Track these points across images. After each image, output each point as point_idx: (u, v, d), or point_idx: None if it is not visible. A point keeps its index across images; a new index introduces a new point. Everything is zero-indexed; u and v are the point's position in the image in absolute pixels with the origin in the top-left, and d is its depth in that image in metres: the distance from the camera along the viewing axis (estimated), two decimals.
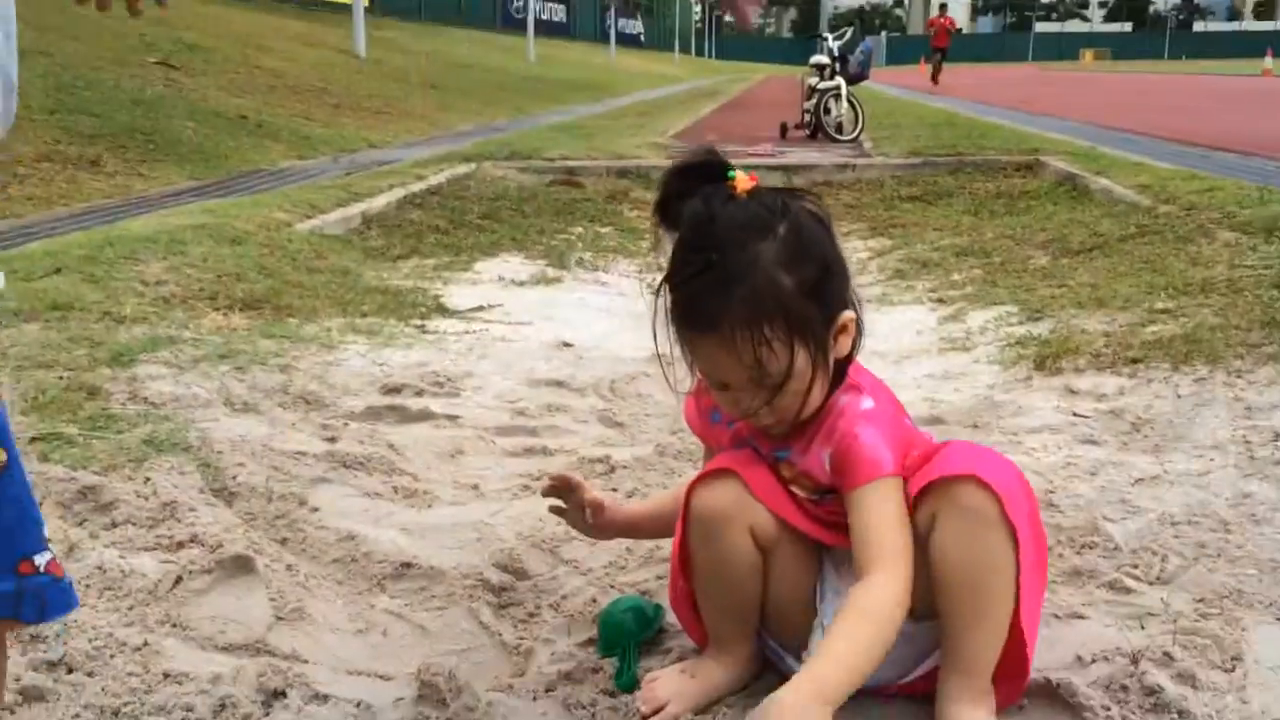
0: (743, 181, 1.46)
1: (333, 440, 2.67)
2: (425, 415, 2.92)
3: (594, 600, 1.91)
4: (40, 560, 1.07)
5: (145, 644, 1.67)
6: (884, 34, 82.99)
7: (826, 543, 1.54)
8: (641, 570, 2.04)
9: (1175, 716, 1.48)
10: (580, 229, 6.30)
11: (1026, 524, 1.45)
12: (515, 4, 34.33)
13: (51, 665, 1.61)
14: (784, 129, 12.06)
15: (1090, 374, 3.13)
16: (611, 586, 1.98)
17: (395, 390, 3.10)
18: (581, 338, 3.93)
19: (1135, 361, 3.14)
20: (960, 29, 30.75)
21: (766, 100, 21.04)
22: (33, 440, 2.39)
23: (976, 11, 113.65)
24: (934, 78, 28.21)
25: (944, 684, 1.48)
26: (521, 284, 4.84)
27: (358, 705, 1.58)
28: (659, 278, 1.47)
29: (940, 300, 4.45)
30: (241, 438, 2.56)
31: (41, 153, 6.93)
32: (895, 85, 26.78)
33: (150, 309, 3.61)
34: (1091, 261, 4.73)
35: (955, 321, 4.06)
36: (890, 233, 6.23)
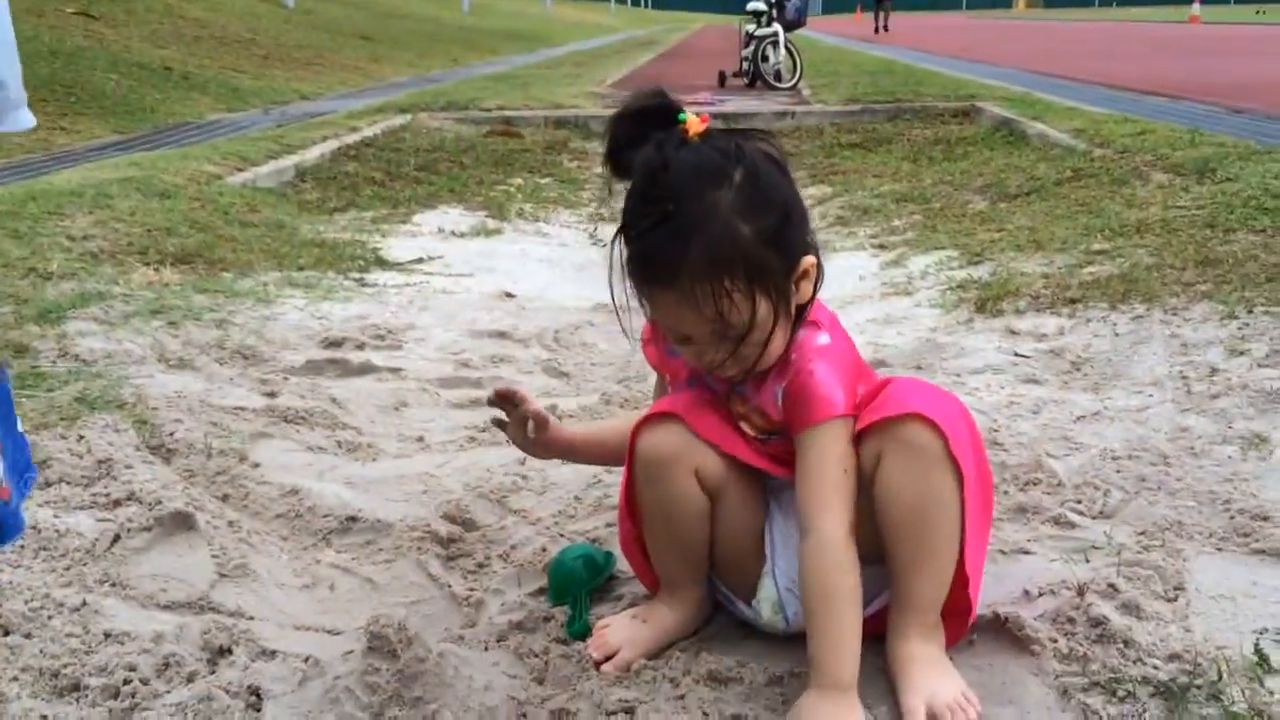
0: (694, 124, 1.41)
1: (272, 395, 2.62)
2: (367, 368, 2.87)
3: (544, 549, 1.89)
4: None
5: (84, 604, 1.63)
6: None
7: (777, 474, 1.53)
8: (591, 519, 2.03)
9: (1121, 646, 1.50)
10: (520, 180, 6.23)
11: (971, 461, 1.46)
12: None
13: None
14: (722, 77, 11.99)
15: (1030, 315, 3.16)
16: (561, 535, 1.97)
17: (336, 344, 3.04)
18: (524, 288, 3.89)
19: (1074, 302, 3.17)
20: None
21: (704, 49, 20.90)
22: None
23: None
24: (882, 26, 27.60)
25: (893, 622, 1.49)
26: (461, 235, 4.77)
27: (306, 660, 1.55)
28: (600, 227, 1.44)
29: (881, 246, 4.47)
30: (178, 394, 2.50)
31: None
32: (832, 34, 26.74)
33: (78, 264, 3.50)
34: (1029, 205, 4.77)
35: (897, 267, 4.08)
36: (831, 180, 6.24)
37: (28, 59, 8.05)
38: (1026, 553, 1.81)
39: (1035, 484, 2.06)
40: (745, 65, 11.82)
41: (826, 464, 1.44)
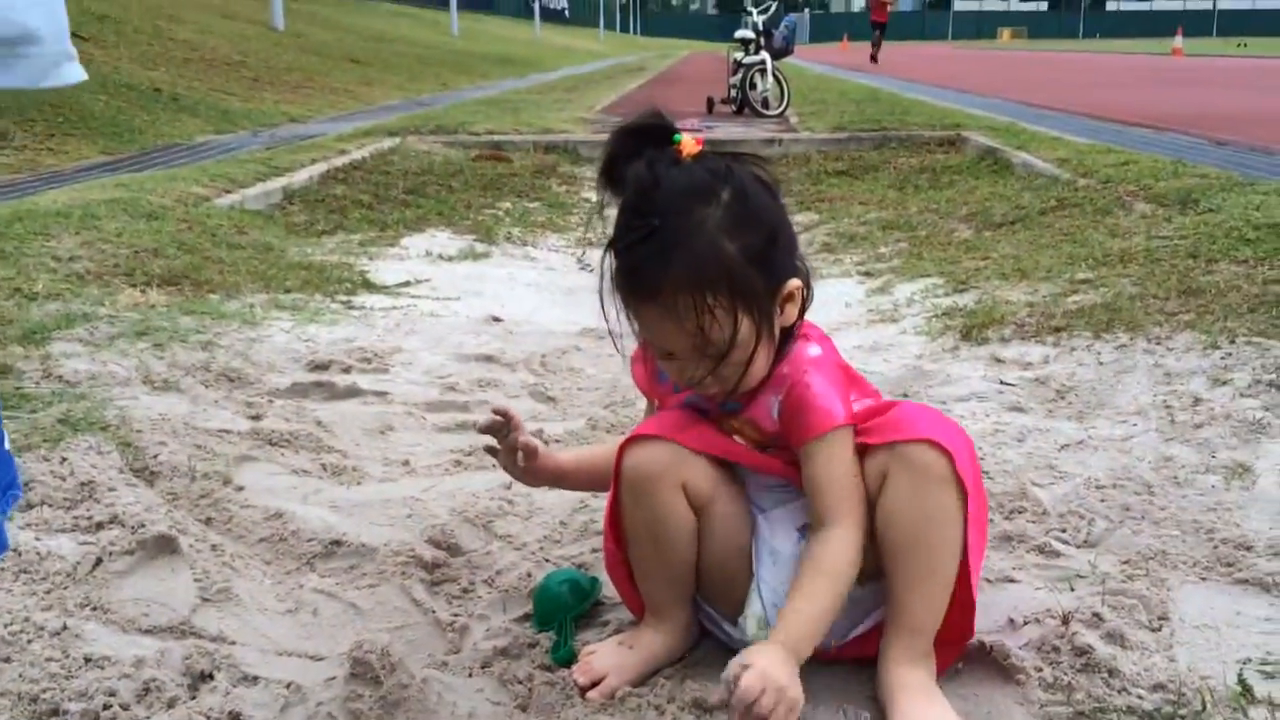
0: (689, 145, 1.43)
1: (257, 418, 2.61)
2: (353, 392, 2.87)
3: (529, 575, 1.88)
4: None
5: (65, 628, 1.62)
6: (807, 12, 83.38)
7: (773, 475, 1.54)
8: (577, 544, 2.03)
9: (1106, 675, 1.50)
10: (508, 204, 6.24)
11: (973, 484, 1.47)
12: None
13: None
14: (710, 104, 12.06)
15: (1015, 343, 3.17)
16: (546, 560, 1.96)
17: (322, 367, 3.04)
18: (511, 312, 3.89)
19: (1058, 330, 3.19)
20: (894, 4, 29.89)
21: (692, 76, 21.02)
22: None
23: None
24: (874, 56, 27.01)
25: (886, 644, 1.49)
26: (449, 259, 4.77)
27: (288, 686, 1.54)
28: (588, 252, 1.45)
29: (868, 273, 4.49)
30: (162, 416, 2.48)
31: None
32: (819, 62, 26.93)
33: (63, 285, 3.49)
34: (1014, 234, 4.80)
35: (883, 294, 4.10)
36: (817, 207, 6.27)
37: None
38: (1011, 581, 1.81)
39: (1020, 512, 2.07)
40: (733, 92, 11.90)
41: (836, 471, 1.46)
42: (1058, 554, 1.91)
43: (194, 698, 1.51)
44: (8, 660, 1.54)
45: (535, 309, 4.02)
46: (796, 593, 1.43)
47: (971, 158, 7.44)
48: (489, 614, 1.79)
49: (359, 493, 2.27)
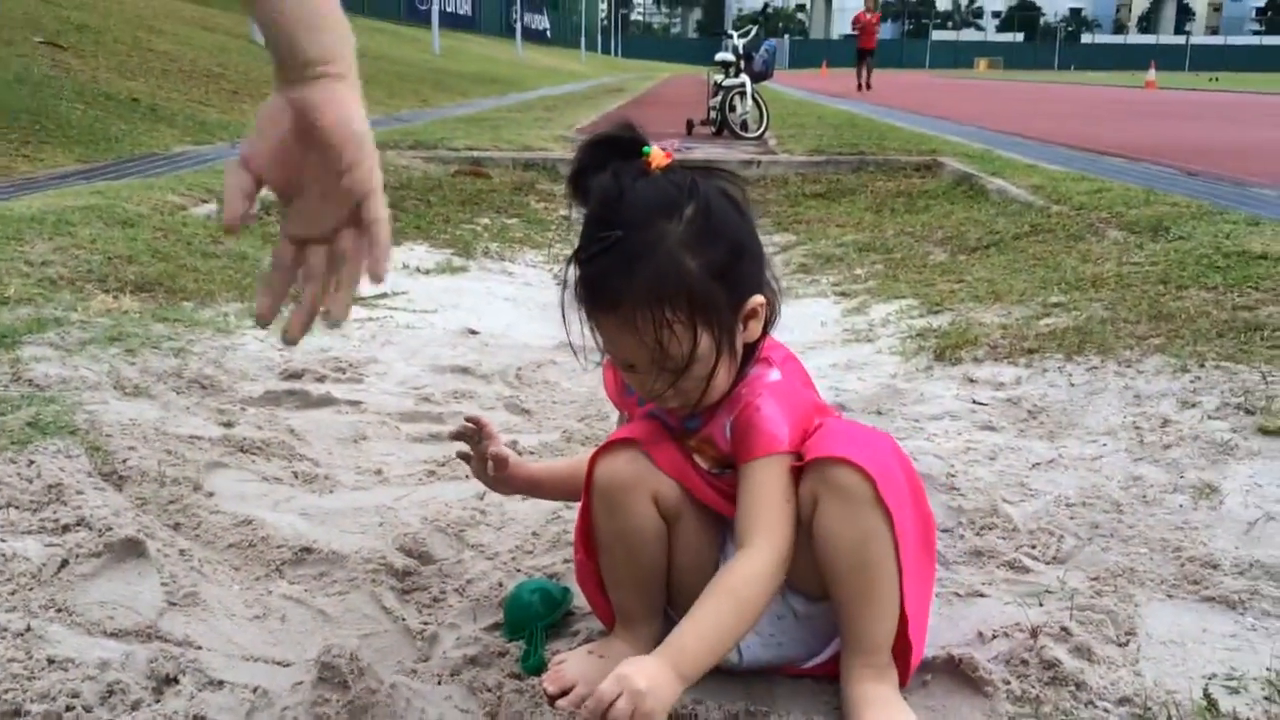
0: (658, 158, 1.43)
1: (229, 425, 2.59)
2: (327, 401, 2.85)
3: (500, 584, 1.88)
4: None
5: (28, 629, 1.59)
6: (786, 37, 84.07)
7: (727, 515, 1.54)
8: (549, 554, 2.02)
9: (1073, 689, 1.51)
10: (487, 219, 6.24)
11: (906, 501, 1.46)
12: None
13: None
14: (690, 125, 12.11)
15: (988, 364, 3.20)
16: (518, 570, 1.95)
17: (295, 376, 3.02)
18: (488, 326, 3.89)
19: (1031, 352, 3.22)
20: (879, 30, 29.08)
21: (672, 98, 21.12)
22: None
23: None
24: (864, 83, 25.65)
25: (845, 664, 1.49)
26: (427, 272, 4.76)
27: (254, 691, 1.52)
28: (564, 262, 1.44)
29: (844, 294, 4.52)
30: (132, 421, 2.47)
31: None
32: (798, 87, 27.12)
33: (35, 290, 3.46)
34: (988, 258, 4.84)
35: (858, 314, 4.12)
36: (795, 228, 6.30)
37: None
38: (981, 595, 1.82)
39: (991, 529, 2.08)
40: (713, 114, 11.96)
41: (767, 493, 1.45)
42: (1027, 570, 1.92)
43: (159, 701, 1.49)
44: None
45: (511, 323, 4.02)
46: (695, 608, 1.40)
47: (947, 183, 7.50)
48: (459, 622, 1.78)
49: (330, 501, 2.26)
